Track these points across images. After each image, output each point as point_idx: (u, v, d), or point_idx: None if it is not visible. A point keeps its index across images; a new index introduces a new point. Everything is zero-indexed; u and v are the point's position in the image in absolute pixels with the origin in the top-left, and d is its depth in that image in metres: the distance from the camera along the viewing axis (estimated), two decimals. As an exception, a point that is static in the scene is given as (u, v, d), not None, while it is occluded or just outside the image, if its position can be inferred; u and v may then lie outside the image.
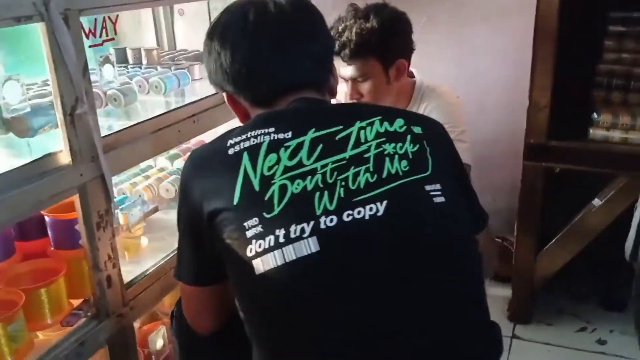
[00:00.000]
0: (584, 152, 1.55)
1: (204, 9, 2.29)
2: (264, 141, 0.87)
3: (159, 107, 1.46)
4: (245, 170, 0.85)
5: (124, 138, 1.14)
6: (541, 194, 1.66)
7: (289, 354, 0.83)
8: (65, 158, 1.01)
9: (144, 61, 1.77)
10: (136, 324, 1.40)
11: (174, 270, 0.97)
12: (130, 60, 1.81)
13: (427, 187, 0.88)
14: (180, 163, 1.57)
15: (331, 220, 0.82)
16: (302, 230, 0.81)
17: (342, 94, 1.85)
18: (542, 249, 1.72)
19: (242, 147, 0.87)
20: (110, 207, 1.10)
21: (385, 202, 0.83)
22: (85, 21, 1.05)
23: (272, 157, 0.86)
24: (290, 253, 0.81)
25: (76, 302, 1.20)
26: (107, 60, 1.11)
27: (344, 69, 1.74)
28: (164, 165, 1.60)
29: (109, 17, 1.05)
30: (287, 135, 0.88)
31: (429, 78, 2.25)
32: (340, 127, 0.89)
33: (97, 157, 1.04)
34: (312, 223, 0.82)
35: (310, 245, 0.80)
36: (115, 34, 1.07)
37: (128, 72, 1.66)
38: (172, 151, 1.62)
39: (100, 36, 1.04)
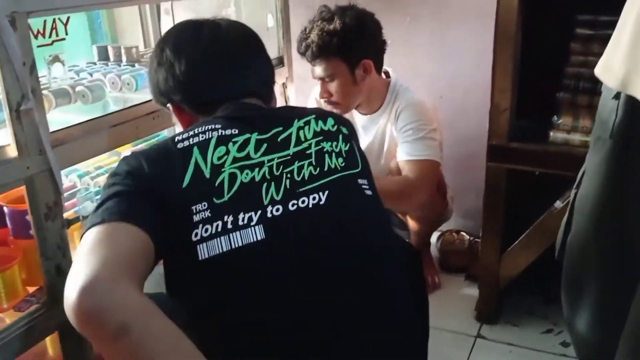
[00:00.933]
0: (544, 154, 1.56)
1: (191, 5, 2.35)
2: (212, 136, 0.93)
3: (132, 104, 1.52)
4: (196, 161, 0.90)
5: (76, 133, 1.20)
6: (504, 195, 1.67)
7: (231, 340, 0.85)
8: (12, 152, 1.06)
9: (124, 59, 1.83)
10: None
11: (87, 222, 0.82)
12: (111, 58, 1.88)
13: (359, 181, 0.98)
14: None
15: (277, 210, 0.89)
16: (250, 219, 0.87)
17: (316, 94, 1.89)
18: (506, 250, 1.74)
19: (191, 143, 0.93)
20: (60, 199, 1.16)
21: (326, 192, 0.92)
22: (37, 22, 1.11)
23: (222, 148, 0.92)
24: (237, 239, 0.85)
25: (33, 289, 1.26)
26: (56, 59, 1.17)
27: (314, 69, 1.78)
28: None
29: (59, 19, 1.11)
30: (234, 131, 0.95)
31: (413, 77, 2.28)
32: (281, 128, 0.98)
33: (44, 151, 1.10)
34: (259, 212, 0.88)
35: (256, 233, 0.86)
36: (67, 34, 1.12)
37: (104, 69, 1.72)
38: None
39: (50, 36, 1.09)
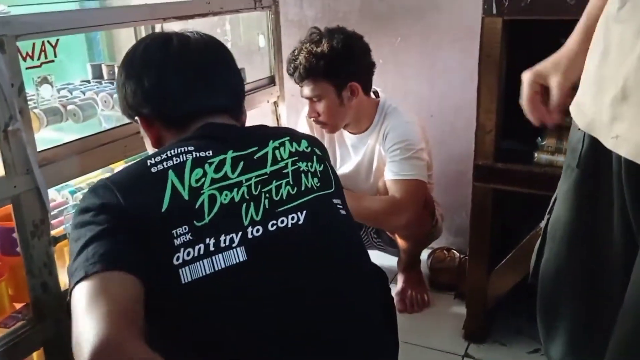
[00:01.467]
0: (529, 175, 1.58)
1: (184, 25, 2.38)
2: (187, 159, 0.92)
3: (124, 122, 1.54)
4: (172, 184, 0.89)
5: (64, 152, 1.22)
6: (490, 215, 1.69)
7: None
8: (-1, 171, 1.09)
9: (117, 77, 1.85)
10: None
11: (70, 280, 0.81)
12: (105, 76, 1.91)
13: (334, 201, 1.01)
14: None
15: (257, 230, 0.90)
16: (232, 240, 0.88)
17: (306, 113, 1.92)
18: (494, 269, 1.75)
19: (165, 166, 0.91)
20: (47, 217, 1.18)
21: (304, 212, 0.94)
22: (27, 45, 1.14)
23: (198, 171, 0.91)
24: (220, 262, 0.86)
25: (20, 306, 1.28)
26: (44, 80, 1.19)
27: (302, 89, 1.81)
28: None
29: (49, 42, 1.14)
30: (209, 153, 0.95)
31: (403, 96, 2.31)
32: (256, 147, 0.98)
33: (31, 170, 1.12)
34: (240, 233, 0.89)
35: (238, 255, 0.87)
36: (55, 56, 1.15)
37: (97, 87, 1.75)
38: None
39: (39, 59, 1.12)
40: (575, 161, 1.00)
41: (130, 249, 0.82)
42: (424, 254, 2.22)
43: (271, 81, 1.97)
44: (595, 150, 0.95)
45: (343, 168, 2.03)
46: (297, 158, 1.00)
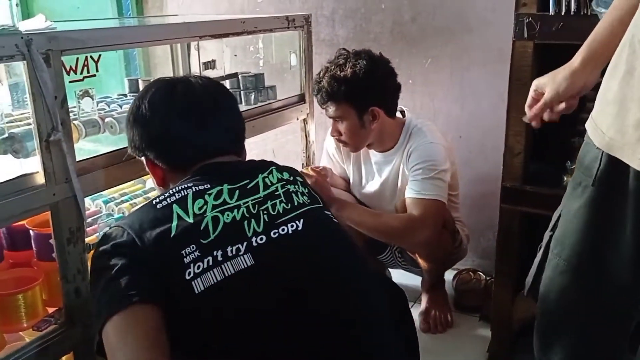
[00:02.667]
0: (557, 198, 1.56)
1: (219, 46, 2.45)
2: (188, 193, 1.02)
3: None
4: (178, 214, 0.98)
5: (100, 163, 1.27)
6: (518, 237, 1.68)
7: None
8: (40, 179, 1.13)
9: (153, 92, 1.91)
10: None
11: (96, 325, 0.90)
12: (142, 91, 1.96)
13: (326, 212, 1.10)
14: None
15: (261, 239, 0.98)
16: (238, 249, 0.96)
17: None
18: (520, 292, 1.73)
19: (169, 201, 1.01)
20: (82, 225, 1.22)
21: (302, 220, 1.03)
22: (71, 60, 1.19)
23: (200, 201, 1.01)
24: (229, 268, 0.94)
25: (52, 310, 1.32)
26: (86, 93, 1.25)
27: (327, 109, 1.85)
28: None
29: (91, 57, 1.19)
30: (206, 186, 1.04)
31: (432, 116, 2.33)
32: (247, 180, 1.07)
33: (70, 179, 1.17)
34: (245, 243, 0.97)
35: (246, 260, 0.95)
36: (97, 71, 1.20)
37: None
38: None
39: (82, 73, 1.17)
40: (590, 179, 1.00)
41: (146, 279, 0.91)
42: (449, 275, 2.21)
43: (301, 99, 2.00)
44: (612, 170, 0.96)
45: (368, 187, 2.05)
46: (284, 182, 1.09)
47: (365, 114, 1.81)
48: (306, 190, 1.11)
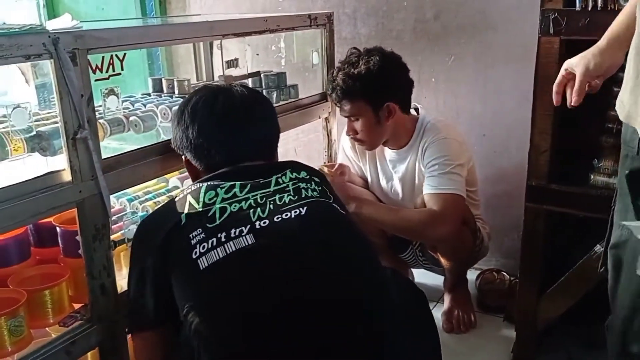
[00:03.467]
0: (584, 197, 1.54)
1: (241, 46, 2.46)
2: (202, 186, 1.12)
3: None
4: (189, 202, 1.10)
5: (125, 160, 1.28)
6: (543, 236, 1.65)
7: (228, 325, 1.00)
8: (66, 176, 1.15)
9: (176, 91, 1.93)
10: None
11: (130, 325, 1.22)
12: (165, 90, 1.98)
13: (334, 205, 1.18)
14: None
15: (264, 222, 1.07)
16: (241, 231, 1.05)
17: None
18: (545, 292, 1.71)
19: (185, 193, 1.16)
20: (108, 222, 1.23)
21: (305, 207, 1.11)
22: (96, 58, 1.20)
23: (211, 193, 1.12)
24: (231, 246, 1.03)
25: (78, 306, 1.33)
26: (111, 92, 1.26)
27: (341, 108, 1.85)
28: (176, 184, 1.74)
29: (117, 55, 1.20)
30: (220, 182, 1.14)
31: (455, 115, 2.31)
32: (261, 179, 1.16)
33: (96, 177, 1.18)
34: (248, 226, 1.06)
35: (247, 239, 1.04)
36: (122, 69, 1.21)
37: (157, 100, 1.82)
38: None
39: (107, 71, 1.19)
40: (634, 150, 1.09)
41: (162, 296, 1.10)
42: (472, 275, 2.19)
43: (323, 97, 2.00)
44: None
45: (386, 185, 2.04)
46: (296, 181, 1.17)
47: (381, 110, 1.81)
48: (319, 188, 1.17)
